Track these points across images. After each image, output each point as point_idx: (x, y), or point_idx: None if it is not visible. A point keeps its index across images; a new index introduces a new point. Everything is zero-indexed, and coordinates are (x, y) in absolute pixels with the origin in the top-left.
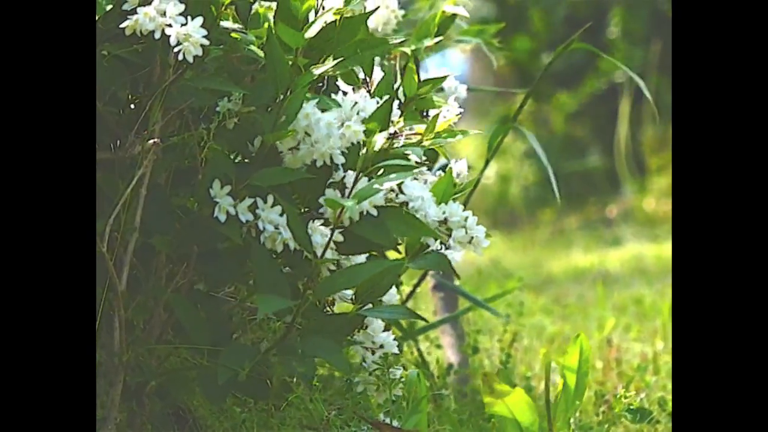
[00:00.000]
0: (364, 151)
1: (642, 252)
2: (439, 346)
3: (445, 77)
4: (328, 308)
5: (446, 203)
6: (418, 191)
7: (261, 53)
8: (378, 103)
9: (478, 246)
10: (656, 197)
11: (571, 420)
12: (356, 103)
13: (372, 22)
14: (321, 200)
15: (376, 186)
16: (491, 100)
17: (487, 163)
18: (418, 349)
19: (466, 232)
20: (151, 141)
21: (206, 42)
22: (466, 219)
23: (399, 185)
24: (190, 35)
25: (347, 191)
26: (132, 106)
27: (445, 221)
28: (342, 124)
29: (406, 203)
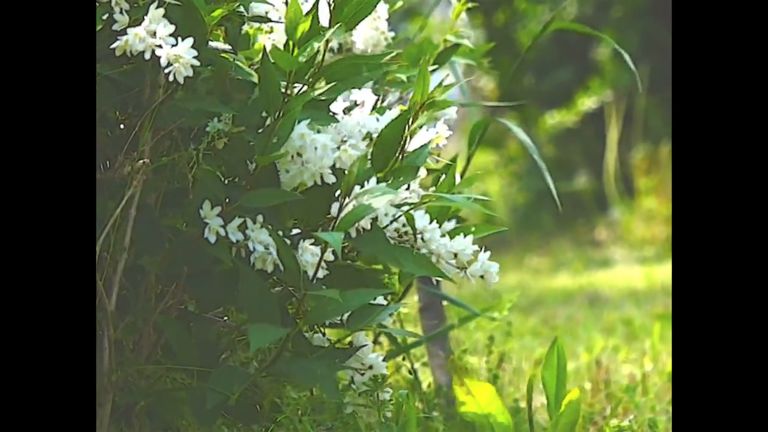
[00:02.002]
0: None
1: (631, 273)
2: (425, 364)
3: (453, 84)
4: (319, 331)
5: (449, 234)
6: (430, 224)
7: (252, 74)
8: (378, 120)
9: (490, 281)
10: (645, 219)
11: None
12: (359, 121)
13: (361, 44)
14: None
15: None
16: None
17: (468, 160)
18: (412, 369)
19: (481, 267)
20: (141, 161)
21: (197, 63)
22: (476, 253)
23: (411, 221)
24: (180, 56)
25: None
26: (122, 126)
27: (456, 255)
28: (338, 147)
29: (415, 236)
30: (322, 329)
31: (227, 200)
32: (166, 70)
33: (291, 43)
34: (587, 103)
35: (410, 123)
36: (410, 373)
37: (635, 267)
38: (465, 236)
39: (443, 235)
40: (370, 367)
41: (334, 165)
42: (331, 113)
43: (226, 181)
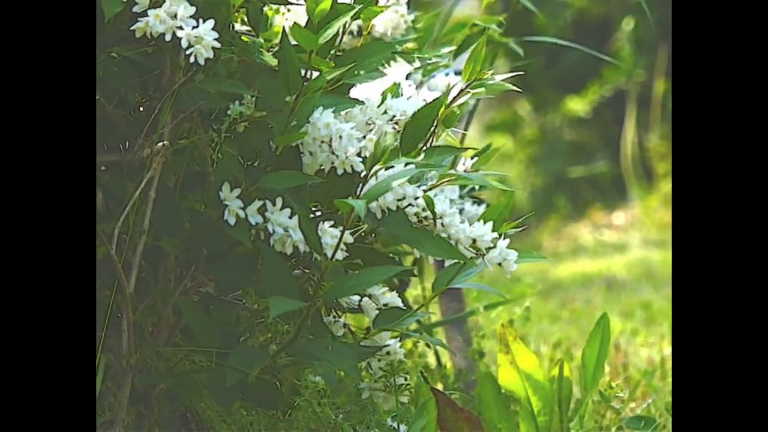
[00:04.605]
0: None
1: (649, 257)
2: (437, 337)
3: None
4: (338, 316)
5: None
6: (449, 209)
7: (272, 60)
8: (408, 101)
9: (508, 269)
10: (663, 203)
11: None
12: (384, 101)
13: (381, 26)
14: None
15: (386, 185)
16: (491, 104)
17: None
18: (435, 351)
19: (500, 254)
20: (161, 144)
21: (218, 45)
22: (496, 241)
23: (430, 204)
24: (201, 38)
25: (359, 192)
26: (141, 108)
27: (474, 241)
28: (364, 137)
29: (434, 220)
30: (341, 315)
31: (247, 182)
32: (187, 52)
33: (312, 23)
34: (600, 91)
35: (449, 104)
36: (429, 347)
37: (653, 251)
38: (485, 223)
39: (462, 221)
40: (387, 353)
41: (360, 152)
42: (350, 96)
43: (246, 165)
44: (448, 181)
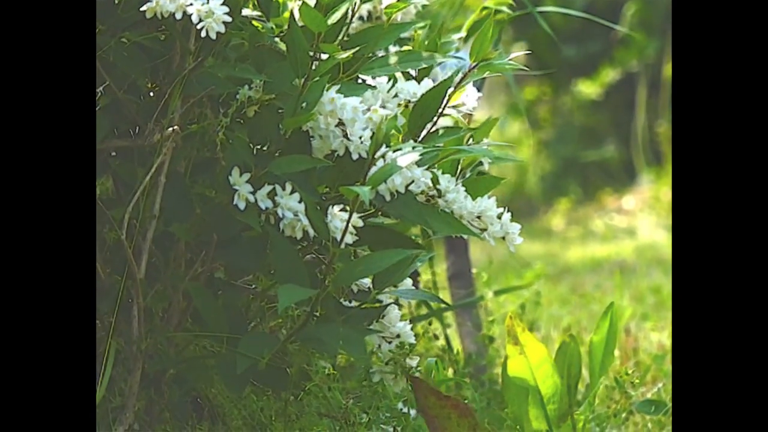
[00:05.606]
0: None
1: (659, 242)
2: (449, 325)
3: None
4: (347, 301)
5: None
6: (453, 184)
7: (283, 44)
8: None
9: (511, 242)
10: None
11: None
12: (394, 83)
13: None
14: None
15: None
16: (503, 88)
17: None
18: (445, 336)
19: (501, 227)
20: (171, 129)
21: (228, 18)
22: (500, 215)
23: (436, 181)
24: (212, 11)
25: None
26: (151, 93)
27: (479, 216)
28: (368, 109)
29: (440, 195)
30: (350, 299)
31: (257, 167)
32: (198, 26)
33: (320, 6)
34: (612, 74)
35: (455, 85)
36: (441, 338)
37: (663, 235)
38: (489, 197)
39: (466, 197)
40: (398, 336)
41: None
42: (361, 80)
43: (256, 150)
44: (451, 155)
